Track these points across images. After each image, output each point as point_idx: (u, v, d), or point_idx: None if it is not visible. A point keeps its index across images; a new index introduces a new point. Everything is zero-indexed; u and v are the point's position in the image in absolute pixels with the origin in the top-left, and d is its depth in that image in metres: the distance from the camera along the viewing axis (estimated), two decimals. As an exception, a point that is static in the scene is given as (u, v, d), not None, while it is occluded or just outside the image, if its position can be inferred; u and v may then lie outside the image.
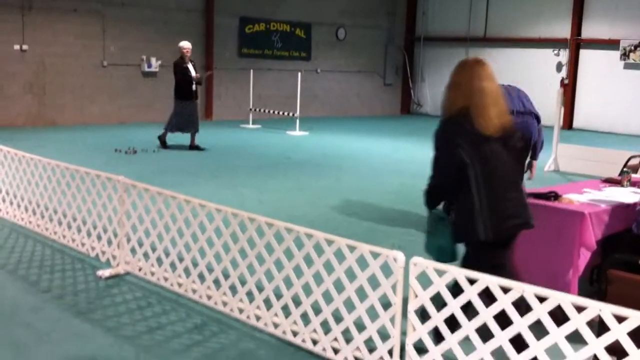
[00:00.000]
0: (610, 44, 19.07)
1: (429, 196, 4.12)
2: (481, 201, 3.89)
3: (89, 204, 6.08)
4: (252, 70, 18.28)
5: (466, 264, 4.04)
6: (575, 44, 19.84)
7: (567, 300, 3.20)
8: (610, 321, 3.04)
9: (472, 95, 3.91)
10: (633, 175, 5.84)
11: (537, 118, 7.23)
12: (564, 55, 20.17)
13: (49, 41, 15.86)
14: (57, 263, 5.91)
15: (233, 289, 4.80)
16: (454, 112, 3.95)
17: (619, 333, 3.01)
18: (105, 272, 5.57)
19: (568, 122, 19.88)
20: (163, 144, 13.11)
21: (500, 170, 3.93)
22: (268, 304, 4.56)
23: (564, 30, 19.98)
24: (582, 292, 4.48)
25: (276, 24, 20.10)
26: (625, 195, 5.29)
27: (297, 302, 4.38)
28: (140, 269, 5.54)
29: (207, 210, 4.93)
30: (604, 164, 10.22)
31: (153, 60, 17.44)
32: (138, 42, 17.27)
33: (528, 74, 20.67)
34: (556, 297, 3.24)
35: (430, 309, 3.69)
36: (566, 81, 19.85)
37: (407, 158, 13.15)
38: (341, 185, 10.16)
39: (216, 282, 4.92)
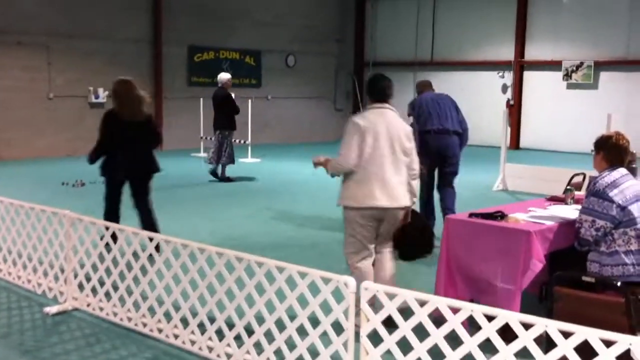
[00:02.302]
0: (553, 65, 19.62)
1: (95, 154, 7.10)
2: (121, 155, 6.94)
3: (35, 240, 5.95)
4: (202, 99, 18.24)
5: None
6: (520, 66, 20.35)
7: (514, 318, 3.25)
8: (556, 337, 3.09)
9: (126, 99, 6.96)
10: (576, 193, 5.98)
11: (463, 133, 8.17)
12: (509, 77, 20.65)
13: (-7, 75, 15.57)
14: (2, 302, 5.74)
15: (184, 321, 4.73)
16: (114, 107, 7.04)
17: (566, 349, 3.06)
18: (52, 309, 5.44)
19: (515, 142, 20.30)
20: (228, 179, 12.99)
21: (131, 137, 6.92)
22: (220, 334, 4.50)
23: (508, 53, 20.49)
24: (533, 310, 4.56)
25: (225, 52, 20.13)
26: (569, 212, 5.41)
27: (250, 331, 4.34)
28: (88, 305, 5.43)
29: (156, 242, 4.86)
30: (550, 182, 10.44)
31: (100, 91, 17.25)
32: (85, 74, 17.07)
33: (475, 96, 21.11)
34: (504, 316, 3.29)
35: (382, 332, 3.70)
36: (512, 102, 20.30)
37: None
38: (294, 211, 10.15)
39: (167, 315, 4.84)
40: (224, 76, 13.16)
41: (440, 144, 7.92)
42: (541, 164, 14.15)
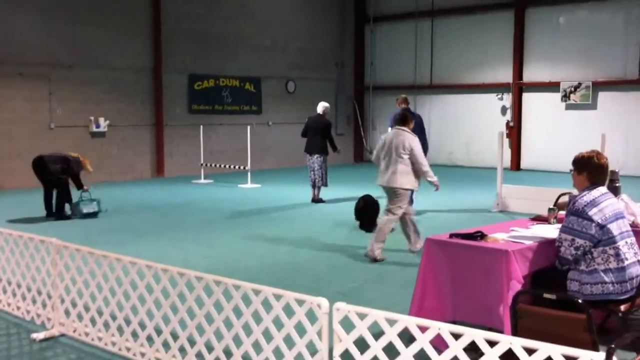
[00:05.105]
0: (551, 86, 19.69)
1: None
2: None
3: (23, 268, 6.02)
4: (202, 126, 18.40)
5: None
6: (518, 88, 20.44)
7: (479, 335, 3.28)
8: (520, 354, 3.12)
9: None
10: (560, 212, 6.00)
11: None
12: (507, 99, 20.73)
13: (-5, 106, 15.77)
14: (-9, 329, 5.80)
15: (166, 345, 4.77)
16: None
17: (529, 365, 3.09)
18: (39, 335, 5.49)
19: (516, 163, 20.33)
20: (321, 200, 13.89)
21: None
22: (200, 357, 4.54)
23: (506, 75, 20.58)
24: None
25: (225, 80, 20.32)
26: (551, 231, 5.43)
27: (228, 354, 4.37)
28: (74, 330, 5.48)
29: (138, 267, 4.92)
30: (548, 202, 10.35)
31: (101, 120, 17.43)
32: (86, 103, 17.26)
33: (474, 119, 21.21)
34: (470, 334, 3.32)
35: (354, 351, 3.73)
36: (511, 124, 20.36)
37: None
38: (291, 235, 10.18)
39: (149, 339, 4.89)
40: (326, 104, 14.16)
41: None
42: (541, 185, 14.16)
